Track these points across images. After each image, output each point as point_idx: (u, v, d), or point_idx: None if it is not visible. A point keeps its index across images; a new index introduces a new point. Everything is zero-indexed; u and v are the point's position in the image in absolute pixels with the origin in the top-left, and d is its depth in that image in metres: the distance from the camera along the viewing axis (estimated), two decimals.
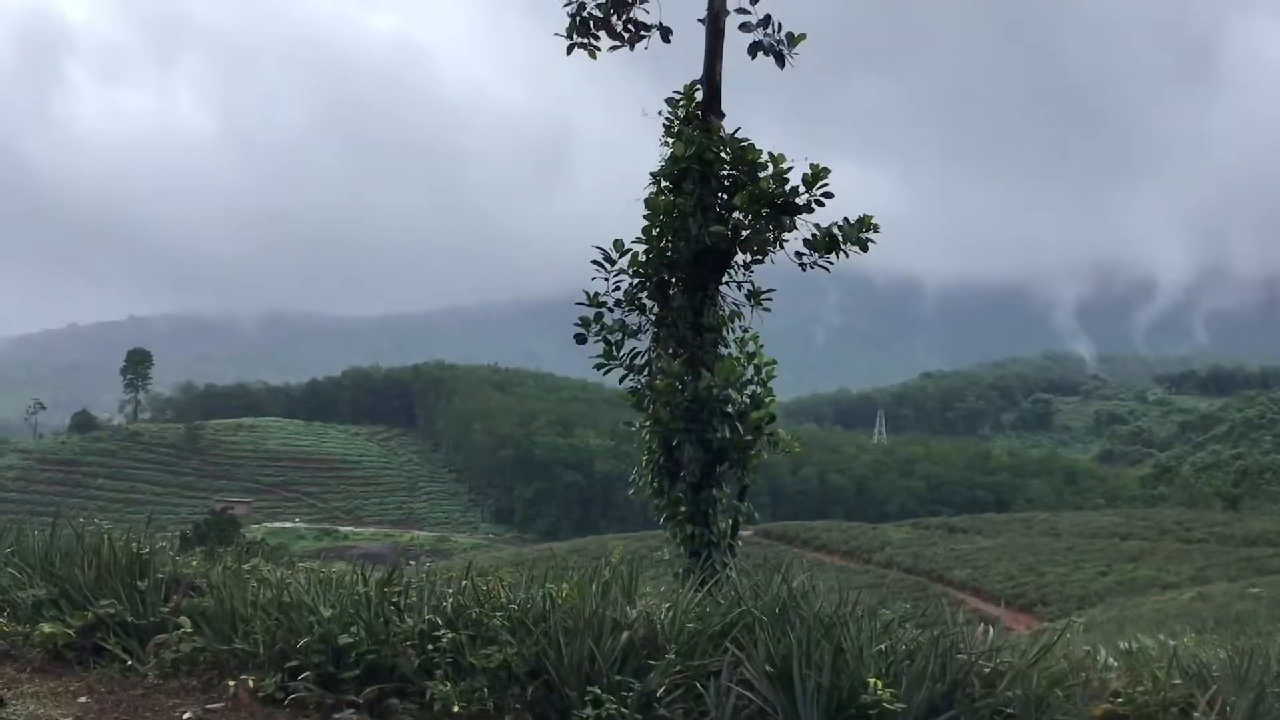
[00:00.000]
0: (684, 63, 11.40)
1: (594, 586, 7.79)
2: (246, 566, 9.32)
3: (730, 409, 10.80)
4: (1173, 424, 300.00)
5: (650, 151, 11.29)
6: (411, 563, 9.48)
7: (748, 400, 10.95)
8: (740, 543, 11.15)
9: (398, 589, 8.25)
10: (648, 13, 11.36)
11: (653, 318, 11.19)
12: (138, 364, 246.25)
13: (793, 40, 10.99)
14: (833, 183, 10.66)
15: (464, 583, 8.24)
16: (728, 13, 11.10)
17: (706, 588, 8.16)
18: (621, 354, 11.20)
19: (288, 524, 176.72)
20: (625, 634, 7.32)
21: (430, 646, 7.59)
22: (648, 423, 11.04)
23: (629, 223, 11.09)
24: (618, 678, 7.12)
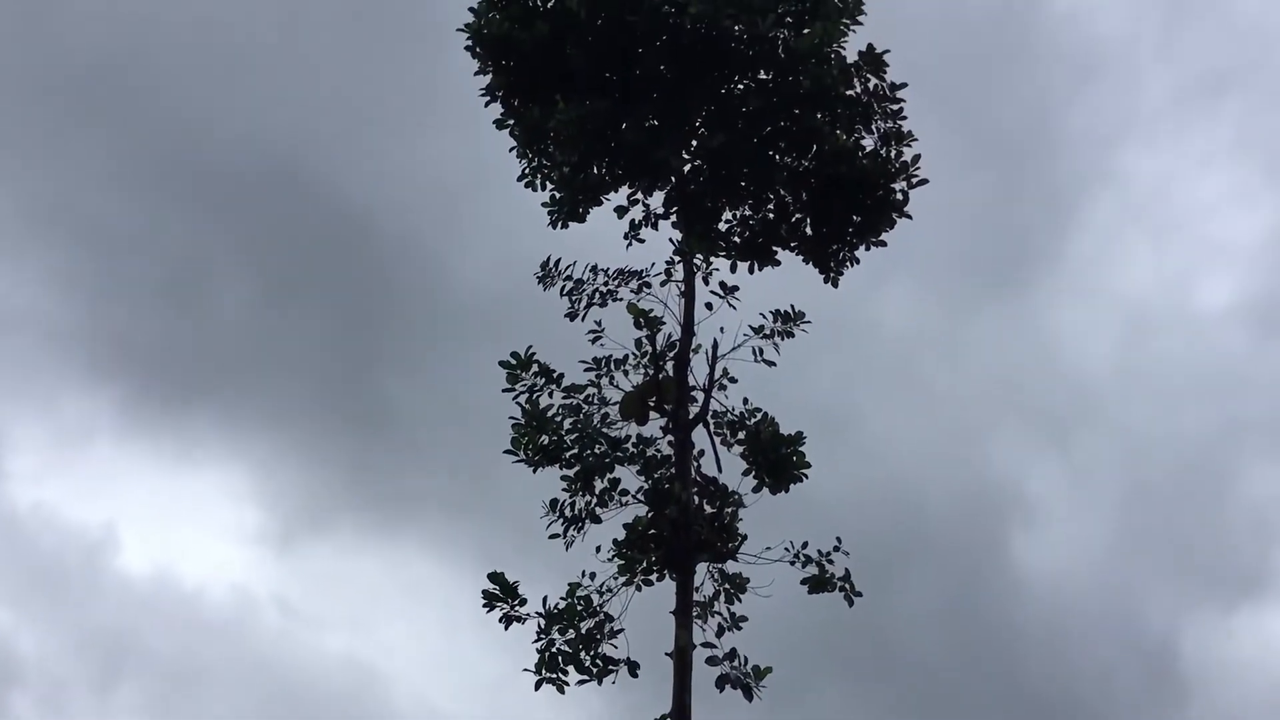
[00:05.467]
0: (652, 689, 11.55)
1: None
2: None
3: None
4: None
5: None
6: None
7: None
8: None
9: None
10: (615, 648, 11.62)
11: None
12: None
13: (759, 673, 11.30)
14: None
15: None
16: (694, 646, 11.41)
17: None
18: None
19: None
20: None
21: None
22: None
23: None
24: None
